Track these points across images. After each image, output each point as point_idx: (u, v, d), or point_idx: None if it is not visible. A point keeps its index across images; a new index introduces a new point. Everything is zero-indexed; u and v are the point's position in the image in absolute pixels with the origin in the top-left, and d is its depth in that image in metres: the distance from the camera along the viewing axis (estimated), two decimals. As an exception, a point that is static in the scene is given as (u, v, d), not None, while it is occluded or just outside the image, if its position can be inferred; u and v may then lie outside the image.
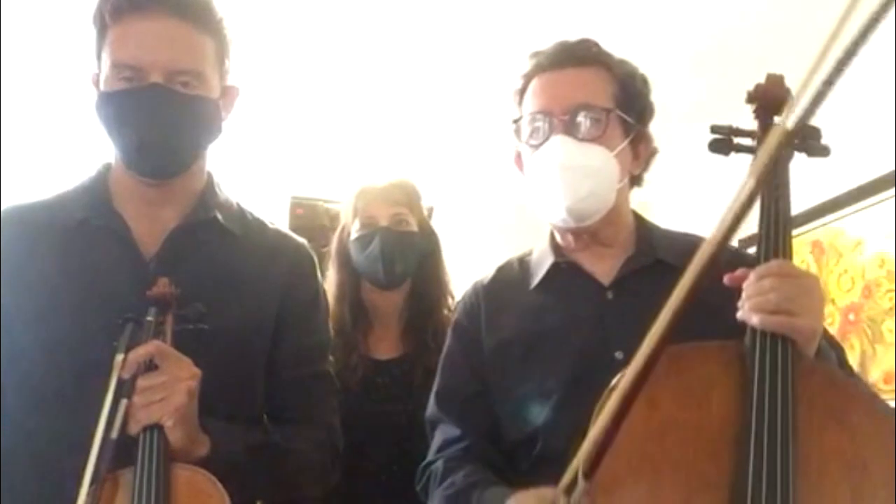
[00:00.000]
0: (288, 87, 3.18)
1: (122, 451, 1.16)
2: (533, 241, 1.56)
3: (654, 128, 1.49)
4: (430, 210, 2.11)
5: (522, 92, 1.46)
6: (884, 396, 2.33)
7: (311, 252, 1.53)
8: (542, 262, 1.48)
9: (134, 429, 1.18)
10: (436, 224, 2.14)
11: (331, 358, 1.56)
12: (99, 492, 1.12)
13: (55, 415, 1.28)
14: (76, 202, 1.39)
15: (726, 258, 1.44)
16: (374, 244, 1.95)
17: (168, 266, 1.32)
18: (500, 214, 3.70)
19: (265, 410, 1.44)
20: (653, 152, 1.49)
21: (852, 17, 0.85)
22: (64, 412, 1.27)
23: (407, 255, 1.97)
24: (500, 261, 1.58)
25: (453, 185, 3.53)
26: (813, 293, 1.16)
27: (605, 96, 1.41)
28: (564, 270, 1.45)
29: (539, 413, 1.34)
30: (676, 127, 1.58)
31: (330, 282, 2.02)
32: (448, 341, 1.53)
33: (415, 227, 2.00)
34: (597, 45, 1.47)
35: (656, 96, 1.49)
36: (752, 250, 1.27)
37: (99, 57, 1.34)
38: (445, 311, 2.00)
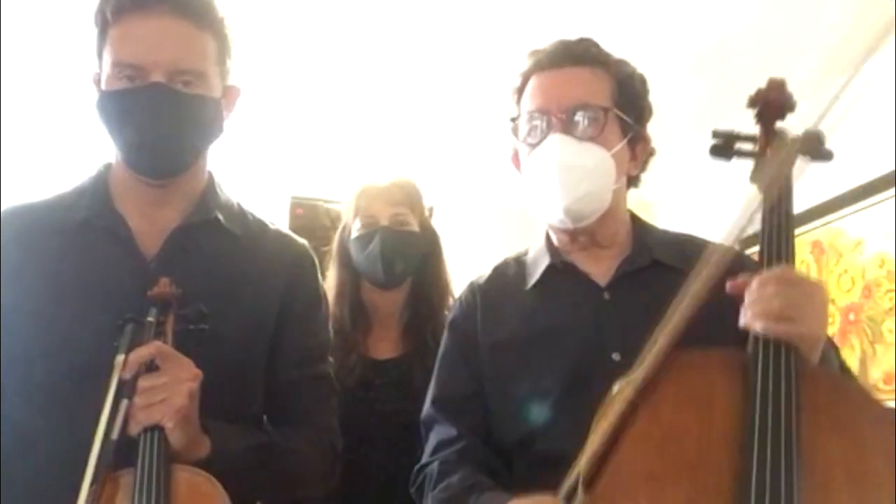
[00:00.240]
0: (288, 87, 3.18)
1: (122, 452, 1.16)
2: (533, 241, 1.55)
3: (658, 129, 1.49)
4: (431, 210, 2.11)
5: (521, 90, 1.46)
6: (884, 396, 2.33)
7: (311, 253, 1.53)
8: (538, 262, 1.48)
9: (134, 430, 1.18)
10: (436, 224, 2.13)
11: (330, 359, 1.56)
12: (99, 492, 1.12)
13: (55, 415, 1.28)
14: (76, 202, 1.39)
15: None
16: (375, 243, 1.95)
17: (168, 266, 1.32)
18: (500, 214, 3.71)
19: (265, 411, 1.44)
20: (651, 153, 1.49)
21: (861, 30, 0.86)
22: (64, 413, 1.27)
23: (407, 254, 1.97)
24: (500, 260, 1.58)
25: (453, 185, 3.54)
26: (816, 299, 1.15)
27: (604, 96, 1.41)
28: (560, 271, 1.44)
29: (535, 414, 1.34)
30: (680, 128, 1.58)
31: (330, 281, 2.01)
32: (444, 341, 1.53)
33: (415, 227, 2.00)
34: (596, 44, 1.46)
35: (659, 98, 1.49)
36: (752, 250, 1.27)
37: (100, 56, 1.34)
38: (446, 312, 1.99)
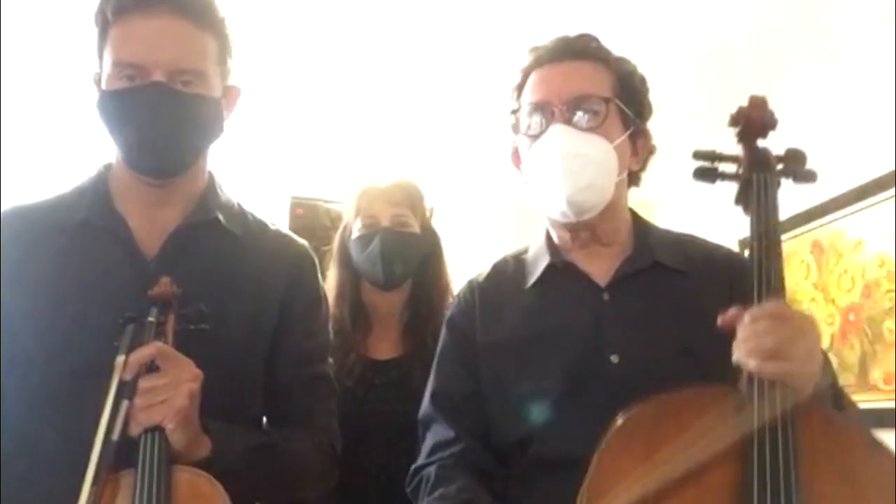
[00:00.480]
0: (288, 87, 3.18)
1: (122, 453, 1.15)
2: (533, 239, 1.54)
3: (658, 128, 1.48)
4: (431, 210, 2.11)
5: (521, 87, 1.45)
6: (884, 396, 2.33)
7: (312, 254, 1.53)
8: (538, 261, 1.47)
9: (135, 430, 1.17)
10: (436, 223, 2.13)
11: (330, 360, 1.56)
12: (100, 493, 1.11)
13: (55, 416, 1.28)
14: (77, 203, 1.39)
15: (724, 259, 1.43)
16: (375, 244, 1.94)
17: (169, 267, 1.32)
18: (500, 214, 3.71)
19: (265, 411, 1.44)
20: (651, 150, 1.48)
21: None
22: (64, 413, 1.27)
23: (407, 256, 1.97)
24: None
25: (453, 185, 3.53)
26: (809, 335, 1.14)
27: (605, 87, 1.40)
28: (560, 271, 1.43)
29: (533, 416, 1.33)
30: (680, 127, 1.58)
31: (330, 281, 2.01)
32: (443, 339, 1.52)
33: (416, 229, 1.99)
34: (596, 39, 1.46)
35: (660, 97, 1.48)
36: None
37: (100, 56, 1.34)
38: (446, 312, 1.99)
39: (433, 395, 1.47)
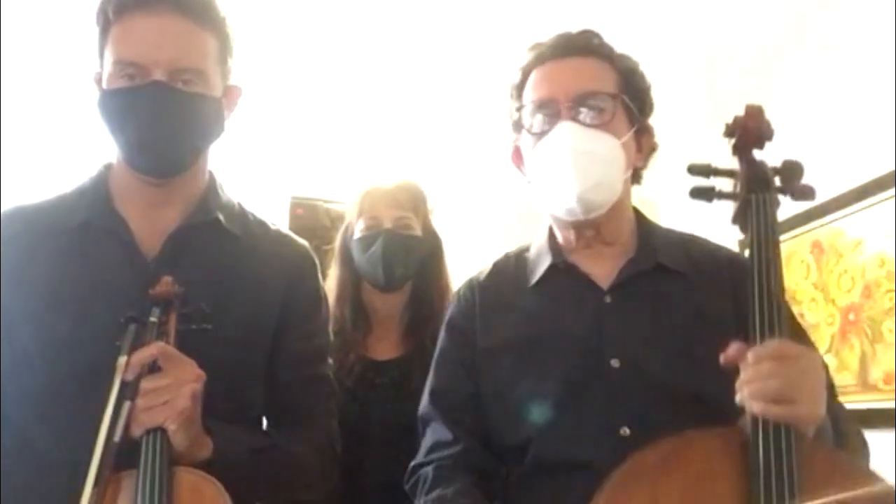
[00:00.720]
0: (288, 86, 3.18)
1: (123, 454, 1.15)
2: (536, 237, 1.52)
3: (659, 127, 1.47)
4: (431, 210, 2.11)
5: (522, 85, 1.43)
6: (884, 396, 2.33)
7: (312, 255, 1.53)
8: (540, 260, 1.45)
9: (136, 431, 1.17)
10: (435, 223, 2.13)
11: (330, 360, 1.56)
12: (102, 494, 1.12)
13: (56, 417, 1.28)
14: (77, 203, 1.39)
15: (727, 262, 1.43)
16: (377, 246, 1.95)
17: (169, 267, 1.32)
18: (500, 215, 3.70)
19: (265, 412, 1.44)
20: (654, 147, 1.46)
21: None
22: (65, 414, 1.27)
23: (408, 258, 1.97)
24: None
25: (454, 186, 3.53)
26: (812, 374, 1.13)
27: (610, 84, 1.39)
28: (562, 272, 1.41)
29: (532, 418, 1.32)
30: (682, 127, 1.57)
31: (331, 280, 2.02)
32: (442, 340, 1.51)
33: (418, 232, 2.00)
34: (598, 35, 1.44)
35: (661, 96, 1.47)
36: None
37: (101, 55, 1.34)
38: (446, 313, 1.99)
39: (432, 395, 1.46)
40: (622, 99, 1.39)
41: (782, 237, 2.26)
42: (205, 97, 1.33)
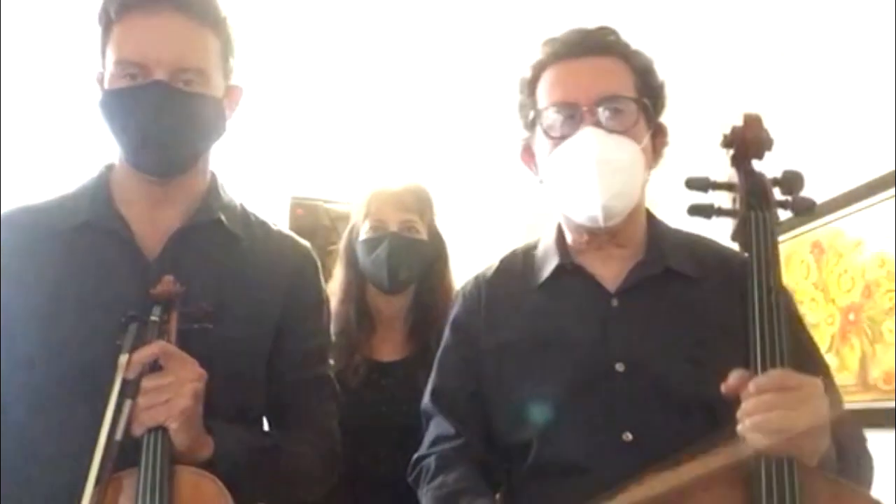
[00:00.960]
0: (288, 86, 3.18)
1: (125, 453, 1.15)
2: (544, 233, 1.51)
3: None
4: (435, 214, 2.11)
5: (534, 82, 1.40)
6: (884, 396, 2.33)
7: (314, 255, 1.52)
8: (547, 260, 1.43)
9: (138, 430, 1.17)
10: (438, 225, 2.13)
11: (331, 361, 1.56)
12: (103, 493, 1.12)
13: (57, 416, 1.27)
14: (78, 204, 1.39)
15: (738, 266, 1.41)
16: (382, 248, 1.96)
17: (170, 268, 1.32)
18: (501, 216, 3.70)
19: (265, 412, 1.44)
20: (666, 146, 1.43)
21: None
22: (65, 413, 1.27)
23: (413, 261, 1.98)
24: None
25: (453, 186, 3.53)
26: (815, 405, 1.10)
27: (630, 86, 1.36)
28: (569, 273, 1.39)
29: (534, 419, 1.31)
30: (684, 126, 1.56)
31: (336, 280, 2.03)
32: (446, 338, 1.50)
33: (423, 235, 2.01)
34: (614, 32, 1.41)
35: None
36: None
37: (103, 55, 1.34)
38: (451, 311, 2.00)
39: (433, 393, 1.46)
40: (643, 102, 1.35)
41: (782, 237, 2.27)
42: (206, 97, 1.33)
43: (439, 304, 1.99)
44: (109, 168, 1.43)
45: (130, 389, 1.18)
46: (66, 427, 1.26)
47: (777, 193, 1.25)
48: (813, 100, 2.62)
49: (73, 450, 1.20)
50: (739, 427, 1.09)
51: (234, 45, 1.40)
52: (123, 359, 1.19)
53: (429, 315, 2.00)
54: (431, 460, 1.38)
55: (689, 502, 1.08)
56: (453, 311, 1.52)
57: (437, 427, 1.42)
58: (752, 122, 1.26)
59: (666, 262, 1.37)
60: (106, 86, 1.33)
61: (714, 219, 1.28)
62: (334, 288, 2.03)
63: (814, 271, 2.67)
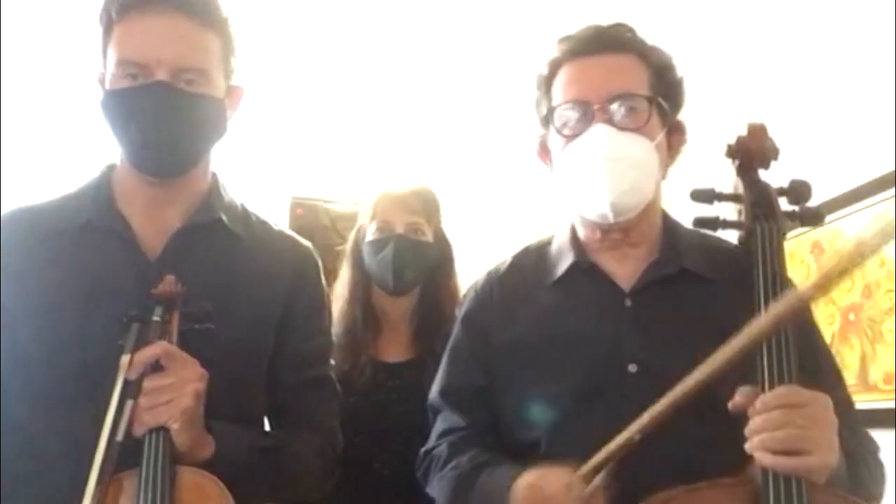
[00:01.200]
0: (288, 87, 3.18)
1: (125, 453, 1.15)
2: (558, 231, 1.50)
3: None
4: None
5: (550, 79, 1.39)
6: (884, 396, 2.33)
7: (315, 255, 1.53)
8: (561, 258, 1.42)
9: (139, 431, 1.18)
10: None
11: (332, 361, 1.56)
12: (104, 493, 1.12)
13: (57, 416, 1.28)
14: (79, 204, 1.39)
15: (738, 257, 1.40)
16: (388, 250, 1.97)
17: (171, 268, 1.32)
18: (499, 216, 3.70)
19: (266, 412, 1.44)
20: (684, 143, 1.42)
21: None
22: (66, 413, 1.27)
23: (418, 263, 1.99)
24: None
25: (454, 186, 3.53)
26: (823, 422, 1.09)
27: (644, 84, 1.35)
28: (584, 271, 1.38)
29: (544, 419, 1.31)
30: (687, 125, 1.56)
31: (343, 280, 2.05)
32: (456, 333, 1.49)
33: (429, 238, 2.02)
34: (630, 29, 1.40)
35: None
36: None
37: (104, 55, 1.34)
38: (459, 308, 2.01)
39: (443, 387, 1.45)
40: (656, 100, 1.35)
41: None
42: (207, 98, 1.33)
43: (445, 307, 2.00)
44: (111, 168, 1.43)
45: (132, 390, 1.18)
46: (67, 427, 1.26)
47: (784, 203, 1.24)
48: (813, 100, 2.62)
49: (74, 450, 1.21)
50: (747, 445, 1.08)
51: (236, 46, 1.40)
52: (125, 359, 1.19)
53: (434, 317, 2.01)
54: (442, 448, 1.38)
55: None
56: (464, 306, 1.51)
57: (445, 421, 1.42)
58: (757, 132, 1.25)
59: (681, 262, 1.35)
60: (107, 86, 1.33)
61: (720, 231, 1.28)
62: (340, 288, 2.05)
63: (814, 271, 2.67)
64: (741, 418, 1.12)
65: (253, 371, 1.39)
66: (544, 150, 1.43)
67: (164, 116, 1.29)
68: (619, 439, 1.13)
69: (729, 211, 1.28)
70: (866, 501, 1.18)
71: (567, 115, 1.35)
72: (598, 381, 1.29)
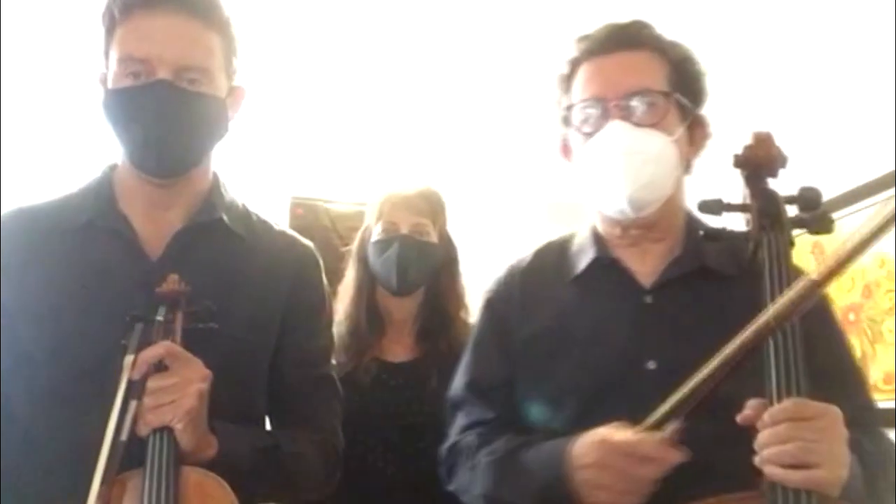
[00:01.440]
0: (288, 87, 3.18)
1: (129, 453, 1.15)
2: (580, 228, 1.50)
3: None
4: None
5: (569, 78, 1.40)
6: (884, 396, 2.33)
7: (316, 255, 1.52)
8: (582, 254, 1.42)
9: (143, 431, 1.17)
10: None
11: (336, 361, 1.57)
12: (108, 493, 1.12)
13: (58, 417, 1.28)
14: (81, 204, 1.39)
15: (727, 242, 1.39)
16: (392, 250, 1.98)
17: (173, 268, 1.31)
18: (499, 216, 3.71)
19: (267, 411, 1.44)
20: (707, 137, 1.42)
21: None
22: (67, 413, 1.27)
23: (422, 264, 2.00)
24: (498, 268, 1.53)
25: (453, 186, 3.53)
26: (832, 435, 1.08)
27: (661, 79, 1.35)
28: (605, 267, 1.39)
29: (561, 413, 1.31)
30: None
31: (348, 281, 2.06)
32: (480, 321, 1.49)
33: (434, 239, 2.03)
34: (648, 26, 1.41)
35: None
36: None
37: (106, 56, 1.34)
38: (462, 326, 2.02)
39: (469, 380, 1.45)
40: (673, 95, 1.35)
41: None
42: (209, 97, 1.33)
43: (449, 308, 2.03)
44: (112, 169, 1.43)
45: (136, 390, 1.18)
46: (67, 427, 1.26)
47: (795, 211, 1.23)
48: (813, 100, 2.62)
49: (74, 449, 1.20)
50: (756, 459, 1.08)
51: (238, 46, 1.40)
52: (129, 359, 1.19)
53: (438, 318, 2.02)
54: (471, 439, 1.37)
55: None
56: (487, 295, 1.50)
57: (469, 415, 1.41)
58: (763, 140, 1.25)
59: (703, 259, 1.35)
60: (109, 85, 1.32)
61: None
62: (345, 289, 2.06)
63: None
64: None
65: (254, 370, 1.39)
66: (566, 150, 1.44)
67: (166, 115, 1.29)
68: (681, 392, 1.12)
69: (738, 221, 1.28)
70: None
71: (585, 112, 1.36)
72: (617, 377, 1.28)
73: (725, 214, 1.26)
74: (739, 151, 1.26)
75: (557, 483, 1.21)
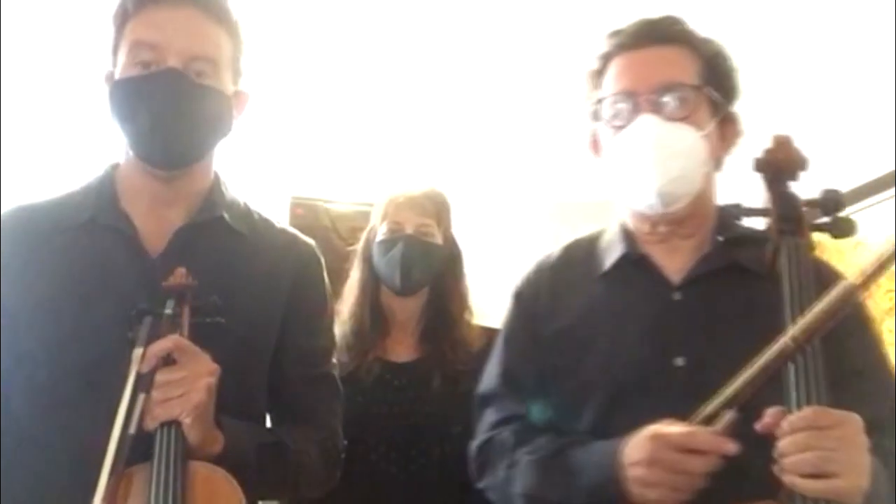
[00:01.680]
0: (288, 87, 3.18)
1: (136, 447, 1.15)
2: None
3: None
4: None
5: (600, 73, 1.40)
6: (884, 395, 2.34)
7: (318, 253, 1.52)
8: (612, 250, 1.42)
9: (151, 425, 1.17)
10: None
11: (338, 360, 1.57)
12: (115, 487, 1.11)
13: (60, 414, 1.27)
14: (82, 201, 1.39)
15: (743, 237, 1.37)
16: (396, 250, 1.99)
17: (174, 265, 1.31)
18: (498, 216, 3.71)
19: (268, 409, 1.44)
20: (738, 134, 1.41)
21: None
22: (69, 409, 1.27)
23: (426, 265, 2.00)
24: (501, 269, 1.54)
25: (459, 187, 3.53)
26: (852, 443, 1.07)
27: (692, 74, 1.35)
28: (633, 263, 1.38)
29: (588, 409, 1.31)
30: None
31: (352, 280, 2.07)
32: (508, 318, 1.49)
33: (439, 240, 2.03)
34: (680, 21, 1.40)
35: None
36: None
37: (115, 51, 1.35)
38: (465, 327, 2.03)
39: (504, 373, 1.44)
40: (705, 91, 1.35)
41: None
42: (217, 91, 1.33)
43: (453, 309, 2.03)
44: (114, 167, 1.43)
45: (144, 383, 1.17)
46: (68, 424, 1.26)
47: (818, 214, 1.23)
48: (813, 100, 2.63)
49: (75, 447, 1.21)
50: (775, 468, 1.07)
51: (244, 50, 1.41)
52: (138, 352, 1.19)
53: (442, 319, 2.03)
54: (506, 436, 1.37)
55: None
56: (516, 289, 1.50)
57: (500, 410, 1.41)
58: (783, 144, 1.24)
59: (732, 255, 1.34)
60: (117, 76, 1.33)
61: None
62: (350, 288, 2.07)
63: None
64: None
65: (256, 368, 1.39)
66: (595, 145, 1.44)
67: (175, 103, 1.29)
68: (734, 385, 1.12)
69: (759, 226, 1.28)
70: None
71: (616, 107, 1.36)
72: (644, 373, 1.28)
73: (745, 219, 1.27)
74: (759, 155, 1.26)
75: (608, 484, 1.21)
